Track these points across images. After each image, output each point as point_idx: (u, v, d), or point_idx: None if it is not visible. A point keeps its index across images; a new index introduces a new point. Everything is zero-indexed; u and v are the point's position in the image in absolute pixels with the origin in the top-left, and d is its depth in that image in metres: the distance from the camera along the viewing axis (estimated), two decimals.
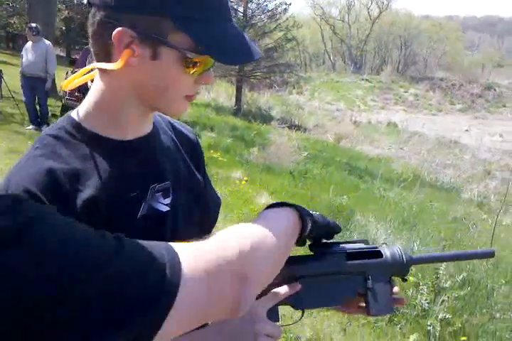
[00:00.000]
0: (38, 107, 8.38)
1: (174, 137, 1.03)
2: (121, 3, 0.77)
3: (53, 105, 9.53)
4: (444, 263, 4.25)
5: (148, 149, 0.93)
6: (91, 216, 0.80)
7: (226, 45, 0.80)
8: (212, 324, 0.84)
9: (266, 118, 16.04)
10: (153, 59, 0.79)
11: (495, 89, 34.83)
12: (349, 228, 5.34)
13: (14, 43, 27.01)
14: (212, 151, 8.55)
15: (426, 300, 3.70)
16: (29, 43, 8.04)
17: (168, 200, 0.93)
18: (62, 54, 26.92)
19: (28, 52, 7.96)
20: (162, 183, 0.92)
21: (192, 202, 1.01)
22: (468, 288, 3.89)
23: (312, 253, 0.93)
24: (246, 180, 7.07)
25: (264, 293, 0.84)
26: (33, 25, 7.98)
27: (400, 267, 0.94)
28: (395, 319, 3.62)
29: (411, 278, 4.00)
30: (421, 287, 3.88)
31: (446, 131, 21.64)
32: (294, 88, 29.88)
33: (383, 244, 0.99)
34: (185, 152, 1.04)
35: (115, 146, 0.88)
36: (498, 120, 28.25)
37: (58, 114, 9.68)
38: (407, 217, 6.14)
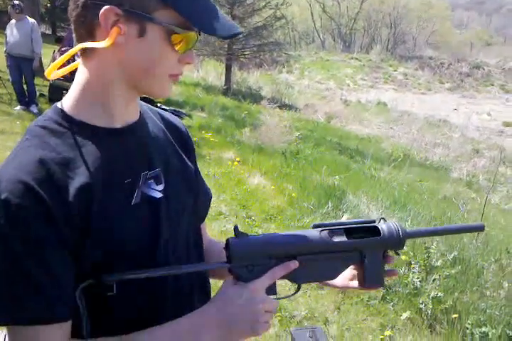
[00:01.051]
0: (25, 87, 8.23)
1: (164, 127, 1.04)
2: None
3: (41, 84, 9.37)
4: (435, 242, 4.33)
5: (136, 137, 0.94)
6: (84, 204, 0.81)
7: (212, 19, 0.83)
8: (212, 302, 0.85)
9: (256, 97, 15.94)
10: (140, 36, 0.81)
11: (483, 68, 34.85)
12: (341, 208, 5.39)
13: None
14: (203, 132, 8.51)
15: (418, 278, 3.76)
16: (12, 21, 7.83)
17: (160, 187, 0.94)
18: (47, 31, 26.37)
19: (13, 30, 7.76)
20: (152, 170, 0.93)
21: (184, 190, 1.01)
22: (459, 267, 3.96)
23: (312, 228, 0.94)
24: (238, 161, 7.06)
25: (263, 270, 0.86)
26: (16, 2, 7.77)
27: (396, 242, 0.96)
28: (388, 297, 3.69)
29: (403, 257, 4.07)
30: (413, 266, 3.95)
31: (435, 110, 21.68)
32: (284, 67, 29.62)
33: (381, 218, 0.98)
34: (176, 142, 1.05)
35: (103, 134, 0.88)
36: (486, 99, 28.35)
37: (46, 93, 9.54)
38: (398, 197, 6.20)
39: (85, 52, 0.85)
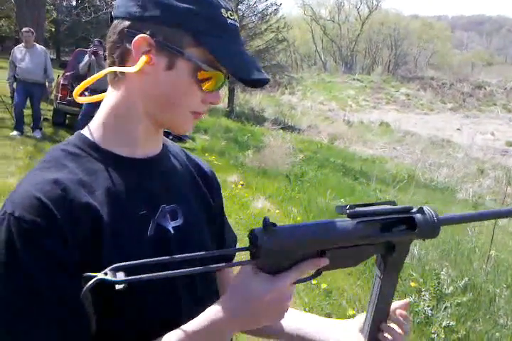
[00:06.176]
0: (30, 111, 8.22)
1: (189, 165, 1.04)
2: (145, 14, 0.81)
3: (44, 109, 9.40)
4: (445, 268, 4.22)
5: (156, 169, 0.92)
6: (96, 227, 0.79)
7: (241, 61, 0.84)
8: (235, 296, 0.78)
9: (259, 119, 16.00)
10: (168, 69, 0.82)
11: (485, 88, 35.03)
12: None
13: (2, 46, 26.81)
14: (206, 154, 8.48)
15: (428, 306, 3.65)
16: (21, 48, 7.88)
17: (175, 223, 0.91)
18: (51, 56, 26.77)
19: (25, 57, 7.79)
20: (170, 205, 0.91)
21: (203, 229, 0.99)
22: (471, 294, 3.85)
23: (345, 217, 0.87)
24: (242, 184, 7.00)
25: (290, 263, 0.79)
26: (26, 29, 7.87)
27: (430, 232, 0.91)
28: None
29: (412, 284, 3.96)
30: (423, 293, 3.83)
31: (438, 130, 21.71)
32: (286, 88, 29.87)
33: (421, 207, 0.91)
34: (201, 181, 1.04)
35: (123, 163, 0.87)
36: (489, 118, 28.41)
37: (50, 117, 9.57)
38: None
39: (115, 80, 0.87)
